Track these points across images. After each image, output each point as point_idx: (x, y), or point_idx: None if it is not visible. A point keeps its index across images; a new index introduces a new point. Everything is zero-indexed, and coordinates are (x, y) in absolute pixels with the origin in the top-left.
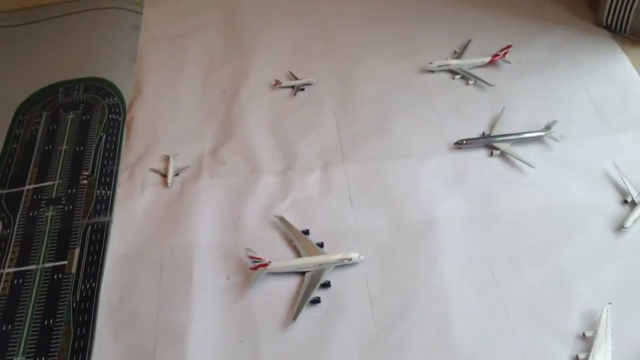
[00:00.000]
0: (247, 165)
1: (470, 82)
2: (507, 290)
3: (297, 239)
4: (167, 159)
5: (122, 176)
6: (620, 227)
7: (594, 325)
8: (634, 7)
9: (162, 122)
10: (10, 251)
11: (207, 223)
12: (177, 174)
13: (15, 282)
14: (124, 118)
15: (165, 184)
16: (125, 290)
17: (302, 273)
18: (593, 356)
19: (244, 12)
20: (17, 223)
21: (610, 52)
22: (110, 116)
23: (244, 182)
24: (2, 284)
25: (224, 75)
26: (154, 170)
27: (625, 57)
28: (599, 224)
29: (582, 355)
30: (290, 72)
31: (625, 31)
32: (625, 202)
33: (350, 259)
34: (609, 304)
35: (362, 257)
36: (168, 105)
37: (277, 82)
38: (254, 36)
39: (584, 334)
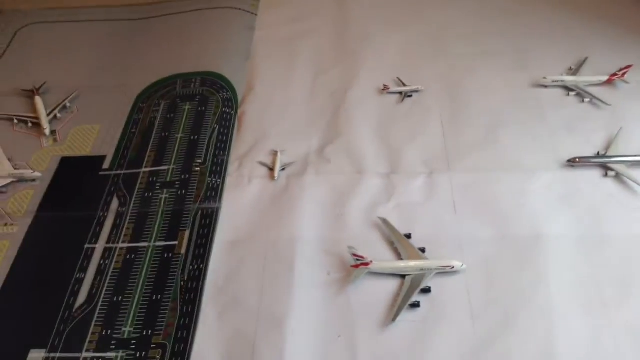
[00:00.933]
0: (352, 166)
1: (586, 99)
2: (617, 317)
3: (399, 242)
4: (274, 153)
5: (232, 167)
6: None
7: None
8: None
9: (272, 119)
10: (125, 227)
11: (310, 218)
12: (283, 169)
13: (128, 257)
14: (236, 112)
15: (272, 177)
16: (230, 274)
17: (402, 276)
18: None
19: (355, 17)
20: (132, 202)
21: None
22: (223, 109)
23: (349, 182)
24: (115, 258)
25: (333, 77)
26: (262, 164)
27: None
28: None
29: None
30: (398, 78)
31: None
32: None
33: (453, 267)
34: None
35: (464, 266)
36: (278, 102)
37: (386, 87)
38: (363, 41)
39: None
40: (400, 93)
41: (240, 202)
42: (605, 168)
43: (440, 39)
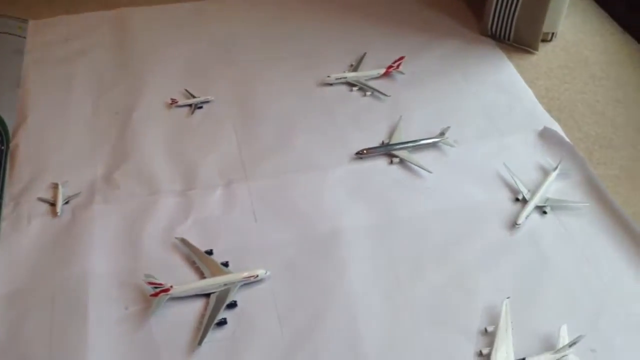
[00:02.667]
0: (144, 188)
1: (368, 93)
2: (413, 294)
3: (200, 260)
4: (55, 186)
5: (7, 209)
6: (513, 224)
7: (495, 320)
8: (515, 16)
9: (50, 149)
10: None
11: (102, 251)
12: (67, 202)
13: None
14: (8, 147)
15: (55, 213)
16: (12, 330)
17: (208, 295)
18: (496, 350)
19: (136, 31)
20: None
21: (496, 59)
22: None
23: (142, 206)
24: None
25: (116, 96)
26: (42, 200)
27: (510, 63)
28: (494, 223)
29: (485, 350)
30: (186, 90)
31: (508, 39)
32: (517, 200)
33: (257, 276)
34: (508, 298)
35: (268, 273)
36: (56, 130)
37: (174, 101)
38: (147, 55)
39: (485, 330)
40: (190, 105)
41: (19, 247)
42: (391, 156)
43: (227, 48)
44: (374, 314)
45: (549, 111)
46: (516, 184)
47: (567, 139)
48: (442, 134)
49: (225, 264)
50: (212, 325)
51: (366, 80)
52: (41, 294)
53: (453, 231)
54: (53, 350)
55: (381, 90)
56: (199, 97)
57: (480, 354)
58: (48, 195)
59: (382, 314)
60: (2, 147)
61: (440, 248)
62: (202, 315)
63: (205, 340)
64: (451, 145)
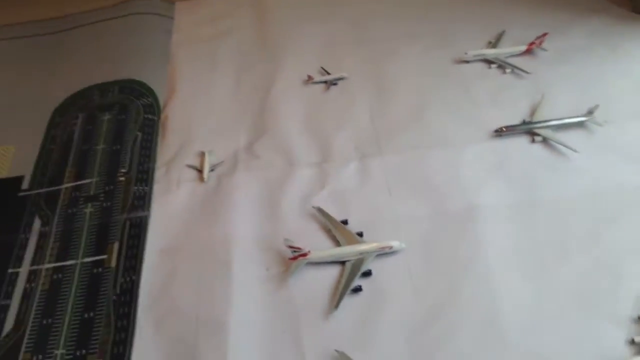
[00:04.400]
0: (282, 159)
1: (507, 70)
2: (557, 277)
3: (336, 229)
4: (202, 154)
5: (159, 173)
6: None
7: None
8: None
9: (197, 120)
10: (50, 247)
11: (244, 216)
12: (212, 169)
13: (55, 277)
14: (159, 117)
15: (202, 179)
16: (165, 283)
17: (342, 262)
18: None
19: (274, 11)
20: (55, 220)
21: None
22: (145, 116)
23: (280, 175)
24: (42, 279)
25: (257, 73)
26: (190, 166)
27: None
28: None
29: (638, 339)
30: (322, 67)
31: None
32: None
33: (392, 247)
34: None
35: (403, 245)
36: (202, 103)
37: (310, 78)
38: (285, 34)
39: (638, 317)
40: (325, 82)
41: (170, 208)
42: (532, 134)
43: (361, 26)
44: (515, 294)
45: None
46: None
47: None
48: (589, 112)
49: (360, 234)
50: (348, 292)
51: (506, 57)
52: (190, 252)
53: (602, 214)
54: (200, 303)
55: (522, 67)
56: (333, 74)
57: (633, 342)
58: (195, 163)
59: (523, 295)
60: (155, 117)
61: (588, 231)
62: (338, 282)
63: (342, 305)
64: (600, 125)
